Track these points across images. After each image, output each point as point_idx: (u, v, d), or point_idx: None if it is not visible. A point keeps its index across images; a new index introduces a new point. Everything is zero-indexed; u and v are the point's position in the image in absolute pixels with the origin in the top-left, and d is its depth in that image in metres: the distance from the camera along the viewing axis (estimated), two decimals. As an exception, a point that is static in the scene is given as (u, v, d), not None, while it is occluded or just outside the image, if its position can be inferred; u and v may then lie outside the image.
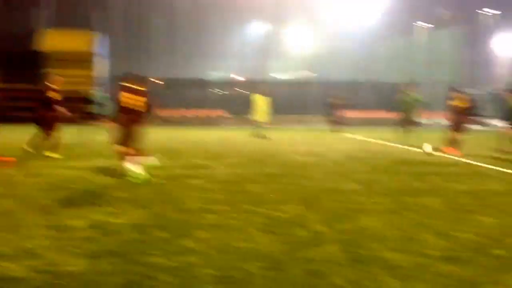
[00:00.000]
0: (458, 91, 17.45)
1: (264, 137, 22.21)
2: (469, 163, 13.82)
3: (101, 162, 12.33)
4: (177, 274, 4.75)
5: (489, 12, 48.54)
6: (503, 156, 14.89)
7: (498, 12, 47.85)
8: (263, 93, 23.95)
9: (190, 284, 4.51)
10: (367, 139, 22.61)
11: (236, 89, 35.88)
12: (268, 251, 5.50)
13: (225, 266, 4.98)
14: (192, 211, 7.32)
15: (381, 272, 4.88)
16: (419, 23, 45.53)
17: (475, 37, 46.48)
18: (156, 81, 35.92)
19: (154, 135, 22.68)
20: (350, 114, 39.16)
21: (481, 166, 13.28)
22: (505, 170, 12.45)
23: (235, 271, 4.85)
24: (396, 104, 21.00)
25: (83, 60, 31.35)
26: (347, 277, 4.76)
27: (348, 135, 25.48)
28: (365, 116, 38.53)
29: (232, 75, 43.80)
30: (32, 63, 30.08)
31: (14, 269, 4.84)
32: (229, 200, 8.14)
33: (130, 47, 37.73)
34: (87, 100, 31.32)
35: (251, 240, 5.88)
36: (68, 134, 15.50)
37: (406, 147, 18.04)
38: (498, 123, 17.33)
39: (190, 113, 36.85)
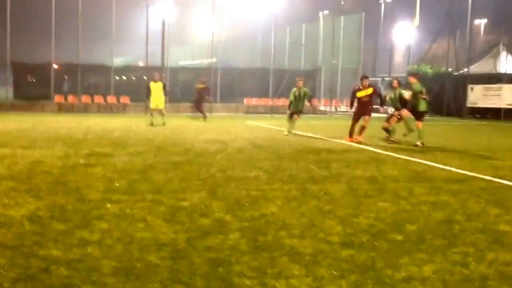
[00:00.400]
0: (367, 78, 17.53)
1: (163, 124, 22.04)
2: (367, 150, 14.25)
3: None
4: (76, 266, 4.58)
5: (387, 1, 50.06)
6: (396, 142, 15.70)
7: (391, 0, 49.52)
8: (161, 80, 23.73)
9: (89, 277, 4.36)
10: (272, 127, 22.84)
11: (145, 77, 35.23)
12: (171, 240, 5.42)
13: (126, 258, 4.86)
14: (93, 201, 7.11)
15: (283, 259, 4.92)
16: (323, 11, 46.33)
17: (375, 25, 47.89)
18: (54, 66, 34.78)
19: (53, 123, 22.06)
20: (255, 102, 39.57)
21: (378, 152, 13.73)
22: (398, 155, 12.96)
23: (137, 262, 4.74)
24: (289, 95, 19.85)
25: None
26: (249, 264, 4.76)
27: (252, 123, 25.64)
28: (270, 104, 38.92)
29: (140, 62, 43.08)
30: None
31: None
32: (132, 189, 7.97)
33: (27, 29, 36.17)
34: None
35: (153, 230, 5.78)
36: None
37: (300, 133, 18.35)
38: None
39: (93, 100, 35.91)
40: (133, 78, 40.50)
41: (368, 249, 5.28)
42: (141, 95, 26.28)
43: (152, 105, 23.28)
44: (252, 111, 38.66)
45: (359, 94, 17.15)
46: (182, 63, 48.46)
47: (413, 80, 16.59)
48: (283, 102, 39.36)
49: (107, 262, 4.71)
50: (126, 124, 23.05)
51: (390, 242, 5.55)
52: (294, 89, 19.41)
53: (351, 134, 16.90)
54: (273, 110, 37.74)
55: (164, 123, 22.25)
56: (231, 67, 41.86)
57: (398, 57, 55.23)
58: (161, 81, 23.77)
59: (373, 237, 5.71)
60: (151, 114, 23.30)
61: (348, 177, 9.59)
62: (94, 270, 4.51)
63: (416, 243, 5.55)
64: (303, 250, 5.19)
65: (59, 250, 5.01)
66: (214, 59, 39.06)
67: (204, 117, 26.82)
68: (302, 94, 19.32)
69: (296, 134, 18.53)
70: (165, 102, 23.67)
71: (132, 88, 36.10)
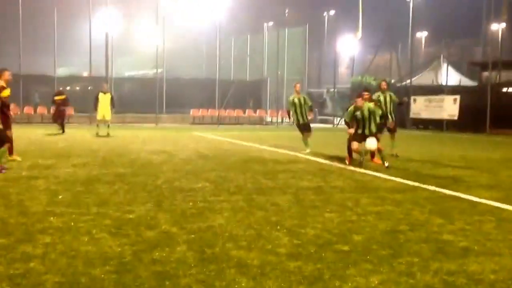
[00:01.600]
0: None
1: (108, 135, 21.82)
2: (313, 160, 14.35)
3: None
4: (18, 282, 4.45)
5: (330, 14, 50.91)
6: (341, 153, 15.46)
7: (334, 12, 50.35)
8: (105, 91, 23.48)
9: (31, 293, 4.26)
10: (218, 138, 22.81)
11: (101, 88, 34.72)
12: (116, 254, 5.33)
13: (71, 272, 4.75)
14: (36, 214, 6.94)
15: (230, 271, 4.89)
16: (268, 22, 46.68)
17: (319, 37, 48.50)
18: None
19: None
20: (201, 112, 39.48)
21: (324, 163, 13.83)
22: (344, 166, 13.07)
23: (81, 277, 4.63)
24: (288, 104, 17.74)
25: None
26: (196, 277, 4.71)
27: (198, 133, 25.55)
28: (216, 115, 38.87)
29: (85, 73, 42.47)
30: None
31: None
32: (76, 202, 7.82)
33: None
34: None
35: (98, 243, 5.67)
36: None
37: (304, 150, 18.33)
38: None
39: (35, 110, 35.26)
40: (77, 88, 39.95)
41: (315, 260, 5.30)
42: (86, 106, 25.81)
43: (99, 116, 23.04)
44: (199, 121, 38.56)
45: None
46: (128, 73, 48.01)
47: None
48: (229, 113, 39.52)
49: (51, 277, 4.59)
50: (70, 135, 22.65)
51: (337, 253, 5.59)
52: (293, 95, 17.21)
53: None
54: (220, 121, 37.72)
55: (108, 134, 22.02)
56: (177, 78, 41.73)
57: (343, 69, 56.05)
58: (107, 91, 23.57)
59: (320, 248, 5.73)
60: (97, 125, 23.03)
61: (295, 188, 9.63)
62: (37, 285, 4.40)
63: (362, 253, 5.59)
64: (250, 262, 5.18)
65: (1, 265, 4.87)
66: (160, 70, 38.83)
67: (62, 130, 23.64)
68: (302, 102, 16.97)
69: (249, 146, 18.51)
70: (110, 112, 23.39)
71: (76, 99, 35.51)
